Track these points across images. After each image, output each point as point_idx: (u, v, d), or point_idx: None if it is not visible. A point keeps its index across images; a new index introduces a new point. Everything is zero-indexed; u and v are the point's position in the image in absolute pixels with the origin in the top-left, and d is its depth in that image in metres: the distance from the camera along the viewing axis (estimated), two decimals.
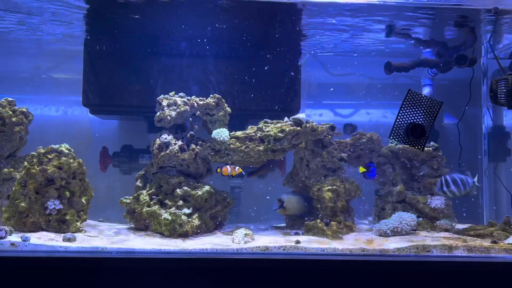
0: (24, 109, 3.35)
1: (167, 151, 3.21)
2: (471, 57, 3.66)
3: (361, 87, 4.47)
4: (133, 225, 3.25)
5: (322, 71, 4.52)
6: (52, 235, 2.79)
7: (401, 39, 3.90)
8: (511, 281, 2.35)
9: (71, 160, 3.02)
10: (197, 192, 3.12)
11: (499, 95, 2.92)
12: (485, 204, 4.25)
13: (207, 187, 3.18)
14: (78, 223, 2.96)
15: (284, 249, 2.63)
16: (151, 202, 3.10)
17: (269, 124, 3.36)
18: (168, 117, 3.28)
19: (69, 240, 2.64)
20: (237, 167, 3.21)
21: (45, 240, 2.65)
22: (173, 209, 3.04)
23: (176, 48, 3.83)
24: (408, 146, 2.73)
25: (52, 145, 3.07)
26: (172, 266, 2.33)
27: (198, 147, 3.30)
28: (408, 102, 2.65)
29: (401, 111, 2.66)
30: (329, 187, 3.14)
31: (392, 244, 2.74)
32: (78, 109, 4.27)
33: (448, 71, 3.99)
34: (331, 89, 4.28)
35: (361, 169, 3.37)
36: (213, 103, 3.38)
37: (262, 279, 2.30)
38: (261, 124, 3.37)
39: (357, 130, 3.81)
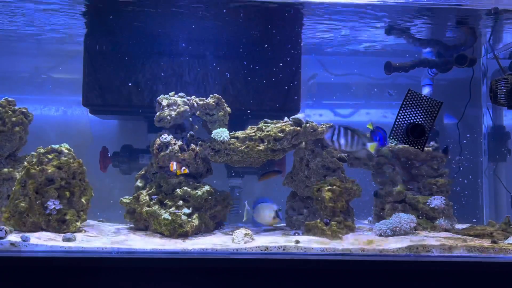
0: (24, 109, 3.34)
1: (167, 151, 3.21)
2: (471, 57, 3.66)
3: (361, 87, 4.47)
4: (133, 225, 3.25)
5: (322, 71, 4.52)
6: (52, 235, 2.79)
7: (401, 39, 3.90)
8: (511, 281, 2.35)
9: (71, 160, 3.02)
10: (197, 192, 3.12)
11: (499, 95, 2.92)
12: (485, 204, 4.26)
13: (207, 187, 3.18)
14: (78, 223, 2.96)
15: (284, 249, 2.63)
16: (151, 202, 3.10)
17: (269, 124, 3.36)
18: (168, 117, 3.28)
19: (69, 240, 2.64)
20: (183, 168, 3.13)
21: (45, 240, 2.65)
22: (173, 209, 3.04)
23: (176, 48, 3.83)
24: (408, 146, 2.73)
25: (52, 145, 3.07)
26: (172, 266, 2.33)
27: (198, 147, 3.30)
28: (408, 102, 2.65)
29: (401, 111, 2.66)
30: (329, 187, 3.14)
31: (392, 244, 2.74)
32: (78, 109, 4.27)
33: (448, 71, 3.99)
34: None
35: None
36: (213, 103, 3.38)
37: (262, 279, 2.30)
38: (261, 124, 3.37)
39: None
